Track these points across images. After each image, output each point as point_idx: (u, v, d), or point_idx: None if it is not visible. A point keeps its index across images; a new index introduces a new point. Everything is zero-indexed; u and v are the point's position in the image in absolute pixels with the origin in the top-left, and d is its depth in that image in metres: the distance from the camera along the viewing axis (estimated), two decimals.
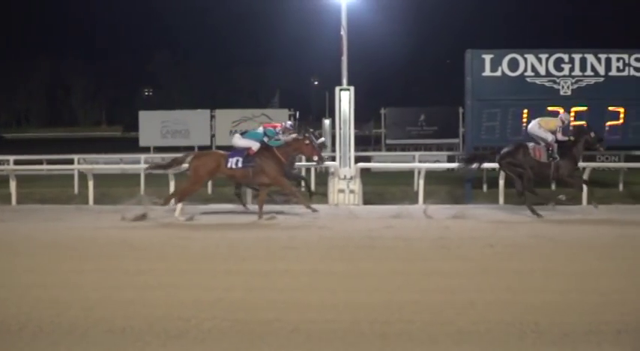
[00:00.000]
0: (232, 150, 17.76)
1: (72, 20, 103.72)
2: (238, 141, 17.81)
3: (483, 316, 8.32)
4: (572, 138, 17.76)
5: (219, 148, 35.66)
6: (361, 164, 20.67)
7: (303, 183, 19.51)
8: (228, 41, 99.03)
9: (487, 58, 20.73)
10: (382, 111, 41.11)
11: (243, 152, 17.44)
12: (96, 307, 8.73)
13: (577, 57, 20.63)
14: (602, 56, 20.65)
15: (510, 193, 19.75)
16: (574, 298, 9.05)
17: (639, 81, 20.46)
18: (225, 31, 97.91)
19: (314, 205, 17.56)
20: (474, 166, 18.94)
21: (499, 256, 11.96)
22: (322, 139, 18.60)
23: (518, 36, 75.21)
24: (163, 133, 38.30)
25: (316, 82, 77.48)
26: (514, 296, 9.15)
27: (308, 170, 24.28)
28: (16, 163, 27.81)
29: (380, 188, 18.78)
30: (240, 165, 17.29)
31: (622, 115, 20.27)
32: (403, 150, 40.25)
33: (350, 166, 20.48)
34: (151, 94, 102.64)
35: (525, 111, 20.35)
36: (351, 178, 20.17)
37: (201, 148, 36.18)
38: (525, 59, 20.66)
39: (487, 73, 20.67)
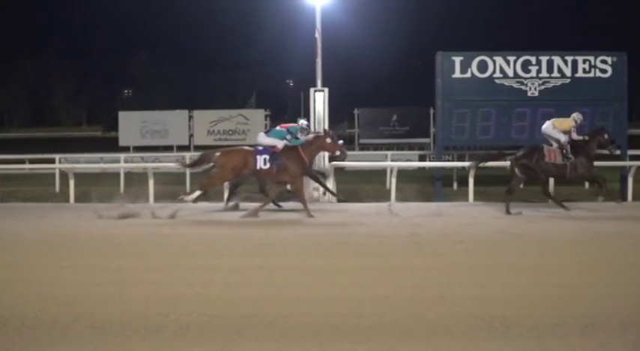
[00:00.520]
0: (258, 147, 17.85)
1: (54, 23, 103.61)
2: (264, 139, 17.89)
3: (453, 310, 8.35)
4: (586, 137, 17.89)
5: (196, 147, 35.73)
6: (335, 163, 20.68)
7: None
8: (206, 44, 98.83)
9: (457, 60, 20.79)
10: (355, 111, 41.23)
11: (269, 150, 17.52)
12: (77, 302, 8.70)
13: (544, 59, 20.72)
14: (569, 58, 20.76)
15: (479, 191, 19.86)
16: (541, 293, 9.08)
17: (605, 82, 20.57)
18: (203, 34, 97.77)
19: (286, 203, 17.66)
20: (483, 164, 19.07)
21: (468, 252, 12.00)
22: (341, 141, 18.62)
23: (487, 39, 75.49)
24: (143, 133, 38.25)
25: (291, 84, 77.46)
26: (483, 291, 9.19)
27: None
28: None
29: (353, 186, 18.81)
30: (267, 163, 17.40)
31: (587, 115, 20.37)
32: (376, 149, 40.37)
33: (324, 165, 20.48)
34: (130, 95, 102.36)
35: (494, 111, 20.42)
36: (326, 176, 20.17)
37: (179, 147, 36.17)
38: (494, 61, 20.74)
39: (457, 74, 20.73)
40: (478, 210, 18.02)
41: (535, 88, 20.61)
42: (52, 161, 27.72)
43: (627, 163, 20.55)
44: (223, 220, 16.28)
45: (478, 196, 20.02)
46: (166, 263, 11.03)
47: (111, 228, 14.89)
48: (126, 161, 28.89)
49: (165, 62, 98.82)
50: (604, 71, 20.67)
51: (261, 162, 17.39)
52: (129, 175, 25.49)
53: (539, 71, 20.69)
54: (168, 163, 25.05)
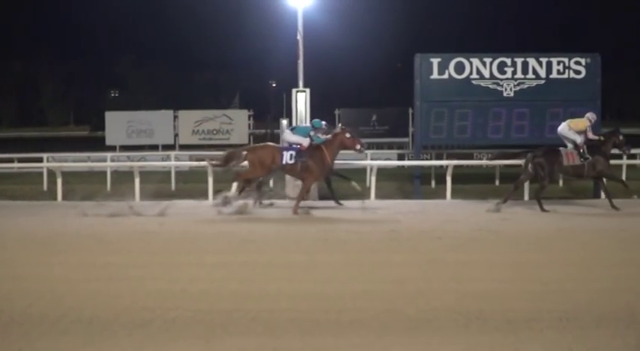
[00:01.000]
0: (284, 144, 18.01)
1: (42, 24, 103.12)
2: (290, 137, 18.01)
3: (431, 304, 8.37)
4: (602, 138, 17.99)
5: (181, 146, 35.66)
6: None
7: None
8: (191, 46, 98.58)
9: (435, 61, 20.81)
10: (336, 111, 41.20)
11: (295, 147, 17.62)
12: (65, 298, 8.68)
13: (519, 61, 20.76)
14: (544, 60, 20.80)
15: (457, 189, 19.90)
16: (516, 287, 9.12)
17: (579, 83, 20.64)
18: (188, 36, 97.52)
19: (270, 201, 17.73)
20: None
21: (446, 248, 12.02)
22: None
23: (465, 41, 75.66)
24: (129, 133, 38.16)
25: (274, 85, 77.27)
26: (460, 285, 9.21)
27: None
28: None
29: (334, 184, 18.79)
30: (293, 159, 17.52)
31: (561, 116, 20.45)
32: None
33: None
34: (117, 95, 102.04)
35: (470, 111, 20.47)
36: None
37: (165, 146, 36.09)
38: (471, 63, 20.76)
39: (435, 76, 20.74)
40: (455, 207, 18.05)
41: (511, 89, 20.65)
42: (40, 160, 27.57)
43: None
44: (208, 217, 16.24)
45: (455, 194, 20.06)
46: (152, 260, 11.01)
47: (98, 225, 14.85)
48: (112, 160, 28.74)
49: (151, 64, 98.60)
50: (578, 72, 20.73)
51: (288, 157, 17.51)
52: (115, 173, 25.43)
53: (514, 72, 20.72)
54: (154, 162, 25.06)
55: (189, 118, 38.75)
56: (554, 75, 20.74)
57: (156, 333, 7.49)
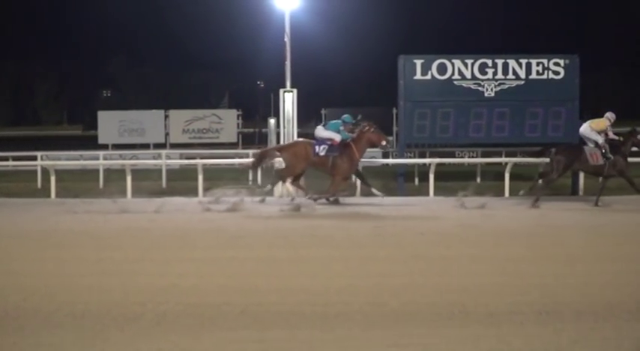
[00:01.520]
0: (316, 140, 18.05)
1: (36, 25, 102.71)
2: (322, 133, 18.06)
3: (415, 298, 8.37)
4: (621, 138, 18.07)
5: (172, 145, 35.59)
6: None
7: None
8: (182, 47, 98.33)
9: (418, 62, 20.82)
10: (323, 111, 41.16)
11: (327, 142, 17.67)
12: (58, 292, 8.66)
13: (500, 62, 20.78)
14: (523, 61, 20.83)
15: (439, 187, 19.91)
16: (497, 282, 9.13)
17: (558, 83, 20.67)
18: (179, 38, 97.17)
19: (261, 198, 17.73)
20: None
21: (429, 244, 12.04)
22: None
23: (447, 43, 75.74)
24: (121, 132, 38.04)
25: (262, 85, 77.11)
26: (443, 280, 9.22)
27: None
28: None
29: (321, 181, 18.79)
30: (325, 153, 17.59)
31: (541, 115, 20.47)
32: None
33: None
34: (109, 95, 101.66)
35: (452, 111, 20.48)
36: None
37: (156, 145, 36.01)
38: (453, 64, 20.78)
39: (418, 76, 20.75)
40: (438, 204, 18.05)
41: (491, 89, 20.67)
42: (35, 158, 27.46)
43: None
44: (198, 214, 16.20)
45: (438, 191, 20.07)
46: (143, 255, 10.99)
47: (91, 222, 14.81)
48: (105, 158, 28.62)
49: (142, 65, 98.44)
50: (557, 73, 20.76)
51: (320, 150, 17.56)
52: (107, 171, 25.38)
53: (495, 73, 20.75)
54: (146, 160, 25.00)
55: (179, 117, 38.67)
56: (533, 76, 20.77)
57: (147, 326, 7.47)
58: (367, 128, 18.10)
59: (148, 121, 38.33)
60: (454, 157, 33.98)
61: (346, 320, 7.61)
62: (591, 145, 17.96)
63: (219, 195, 17.77)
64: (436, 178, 20.35)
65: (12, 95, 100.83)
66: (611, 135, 18.08)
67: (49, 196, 20.39)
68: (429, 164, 20.66)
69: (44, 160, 27.32)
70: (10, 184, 24.89)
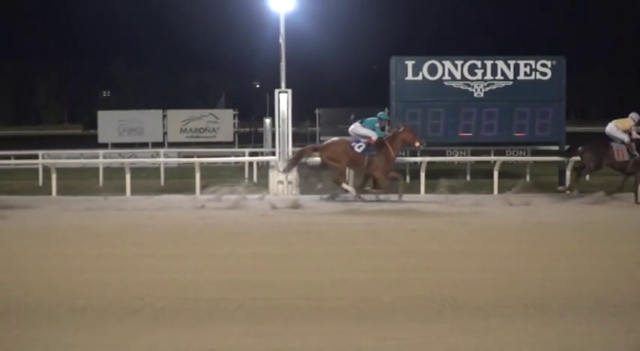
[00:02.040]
0: (352, 137, 18.08)
1: (37, 27, 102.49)
2: (360, 129, 17.99)
3: (406, 292, 8.38)
4: None
5: (170, 144, 35.54)
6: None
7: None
8: (180, 49, 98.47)
9: (409, 63, 20.77)
10: (317, 111, 40.99)
11: (364, 140, 17.67)
12: (59, 287, 8.66)
13: (489, 63, 20.74)
14: (512, 62, 20.80)
15: (430, 184, 19.88)
16: (486, 276, 9.15)
17: (545, 84, 20.65)
18: (177, 40, 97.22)
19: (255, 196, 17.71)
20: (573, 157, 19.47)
21: (420, 240, 12.05)
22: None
23: (437, 44, 75.84)
24: (120, 131, 37.87)
25: (258, 85, 77.06)
26: (433, 274, 9.23)
27: (250, 164, 24.25)
28: None
29: (314, 179, 18.79)
30: (361, 151, 17.57)
31: (529, 115, 20.45)
32: None
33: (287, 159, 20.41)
34: (109, 95, 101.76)
35: (443, 111, 20.46)
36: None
37: (154, 144, 35.94)
38: (443, 65, 20.73)
39: (409, 77, 20.70)
40: (428, 202, 18.03)
41: (480, 90, 20.64)
42: (36, 157, 27.33)
43: (565, 158, 20.67)
44: (195, 211, 16.18)
45: (429, 189, 20.05)
46: (142, 251, 10.99)
47: (91, 219, 14.79)
48: (104, 157, 28.54)
49: (141, 66, 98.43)
50: (544, 74, 20.73)
51: (357, 148, 17.61)
52: (107, 169, 25.34)
53: (484, 74, 20.71)
54: (144, 159, 24.96)
55: (177, 117, 38.52)
56: (521, 77, 20.74)
57: (146, 320, 7.48)
58: (404, 129, 18.17)
59: (147, 121, 38.17)
60: (444, 155, 33.96)
61: (340, 314, 7.62)
62: (618, 142, 18.17)
63: (219, 193, 17.76)
64: (427, 176, 20.33)
65: (14, 95, 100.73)
66: (634, 134, 18.27)
67: (50, 193, 20.34)
68: (420, 162, 20.64)
69: (45, 159, 27.25)
70: (11, 182, 24.82)
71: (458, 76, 20.67)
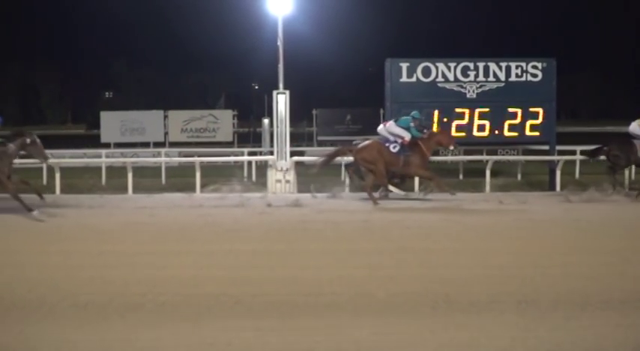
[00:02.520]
0: (384, 136, 17.76)
1: (41, 29, 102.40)
2: (394, 128, 17.53)
3: (401, 288, 8.38)
4: None
5: (171, 144, 35.54)
6: (296, 158, 20.63)
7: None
8: (179, 50, 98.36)
9: (404, 66, 20.76)
10: (314, 111, 41.06)
11: (398, 140, 17.37)
12: (62, 284, 8.65)
13: (481, 65, 20.75)
14: (503, 64, 20.81)
15: (424, 182, 19.87)
16: (479, 273, 9.15)
17: (536, 85, 20.65)
18: (177, 41, 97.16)
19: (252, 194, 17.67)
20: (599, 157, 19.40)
21: (414, 237, 12.04)
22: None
23: (432, 46, 75.86)
24: (122, 131, 37.89)
25: (256, 87, 77.04)
26: (428, 271, 9.24)
27: (249, 163, 24.25)
28: None
29: (312, 179, 18.78)
30: (396, 150, 17.25)
31: (520, 115, 20.45)
32: (332, 145, 40.04)
33: (286, 160, 20.40)
34: (111, 96, 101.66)
35: (436, 111, 20.44)
36: (287, 169, 20.10)
37: (156, 144, 35.93)
38: (437, 67, 20.73)
39: (404, 79, 20.69)
40: (423, 199, 18.02)
41: (473, 91, 20.65)
42: None
43: (556, 157, 20.66)
44: (195, 209, 16.16)
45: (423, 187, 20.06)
46: (143, 248, 10.98)
47: (93, 216, 14.77)
48: (107, 156, 28.54)
49: (142, 67, 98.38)
50: (535, 76, 20.73)
51: (393, 149, 17.31)
52: (110, 168, 25.32)
53: (476, 76, 20.71)
54: (146, 158, 24.94)
55: (178, 117, 38.54)
56: (513, 78, 20.74)
57: (147, 316, 7.48)
58: (440, 131, 18.12)
59: (148, 121, 38.19)
60: (438, 155, 33.97)
61: (336, 309, 7.62)
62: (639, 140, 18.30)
63: (219, 191, 17.74)
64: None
65: (18, 96, 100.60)
66: None
67: (53, 192, 20.31)
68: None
69: (49, 158, 27.25)
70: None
71: (451, 77, 20.67)
